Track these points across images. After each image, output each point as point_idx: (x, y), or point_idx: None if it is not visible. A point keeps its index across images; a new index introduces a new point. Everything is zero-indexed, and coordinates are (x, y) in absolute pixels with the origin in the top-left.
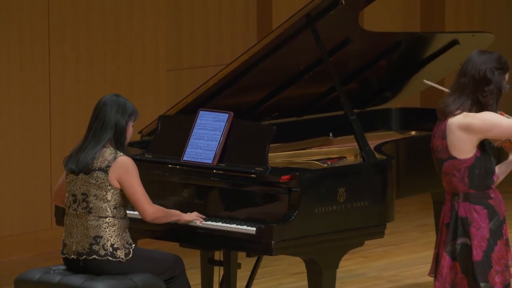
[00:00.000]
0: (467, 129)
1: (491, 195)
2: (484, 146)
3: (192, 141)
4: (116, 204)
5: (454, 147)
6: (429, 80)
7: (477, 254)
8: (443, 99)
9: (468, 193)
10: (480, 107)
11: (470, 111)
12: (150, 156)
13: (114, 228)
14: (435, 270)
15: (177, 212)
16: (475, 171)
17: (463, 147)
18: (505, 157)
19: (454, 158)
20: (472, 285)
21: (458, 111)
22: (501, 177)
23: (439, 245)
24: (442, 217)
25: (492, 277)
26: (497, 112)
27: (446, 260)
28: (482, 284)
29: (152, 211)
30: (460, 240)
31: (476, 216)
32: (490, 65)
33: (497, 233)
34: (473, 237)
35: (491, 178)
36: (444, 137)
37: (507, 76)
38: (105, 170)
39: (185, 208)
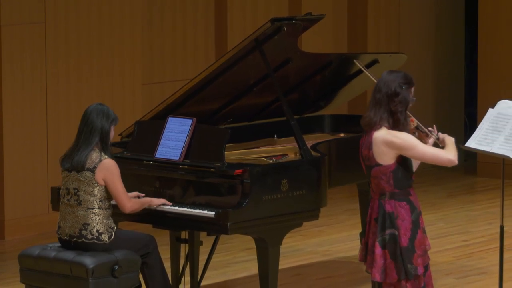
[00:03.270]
0: (389, 145)
1: (411, 192)
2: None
3: (162, 141)
4: (102, 197)
5: (379, 156)
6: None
7: (404, 241)
8: (366, 114)
9: (394, 192)
10: (392, 116)
11: (388, 122)
12: (129, 154)
13: (99, 217)
14: (365, 256)
15: (148, 199)
16: (398, 174)
17: (386, 157)
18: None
19: (380, 165)
20: (399, 267)
21: (379, 126)
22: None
23: (367, 236)
24: (370, 213)
25: (415, 259)
26: (408, 119)
27: (378, 249)
28: (408, 266)
29: (129, 205)
30: (388, 231)
31: (401, 211)
32: (399, 81)
33: (416, 224)
34: (399, 227)
35: (411, 179)
36: (370, 148)
37: (412, 90)
38: (92, 170)
39: (157, 196)
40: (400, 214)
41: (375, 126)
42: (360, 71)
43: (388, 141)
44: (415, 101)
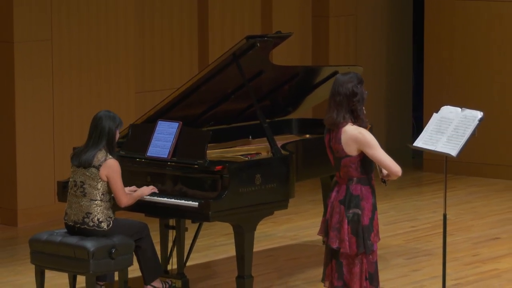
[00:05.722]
0: (355, 139)
1: (373, 177)
2: None
3: (153, 142)
4: (104, 191)
5: (348, 149)
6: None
7: (366, 220)
8: (328, 115)
9: (360, 177)
10: (353, 113)
11: (351, 119)
12: (124, 152)
13: (100, 208)
14: (326, 231)
15: (138, 192)
16: (365, 162)
17: (350, 149)
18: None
19: (350, 156)
20: (359, 242)
21: (345, 123)
22: None
23: (331, 216)
24: (334, 196)
25: (373, 237)
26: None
27: (345, 225)
28: (368, 241)
29: (125, 200)
30: (352, 211)
31: (366, 194)
32: (354, 82)
33: (375, 206)
34: (363, 208)
35: (373, 165)
36: (339, 142)
37: (363, 86)
38: (98, 167)
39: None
40: (365, 197)
41: (340, 124)
42: (323, 81)
43: (354, 137)
44: (368, 94)
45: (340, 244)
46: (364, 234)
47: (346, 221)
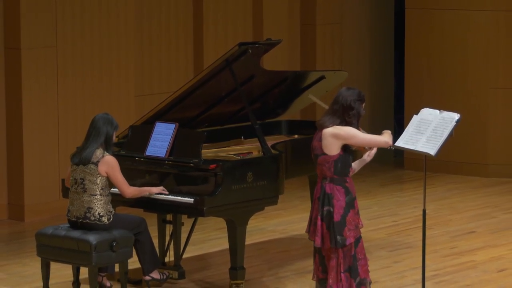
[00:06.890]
0: (335, 136)
1: (347, 180)
2: (346, 148)
3: (151, 142)
4: (103, 186)
5: (326, 147)
6: (313, 97)
7: (337, 217)
8: (322, 117)
9: (333, 177)
10: (345, 124)
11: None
12: (124, 152)
13: (101, 202)
14: (309, 227)
15: (147, 188)
16: (338, 163)
17: (331, 148)
18: (359, 156)
19: (326, 154)
20: (332, 237)
21: (330, 126)
22: (356, 170)
23: (312, 212)
24: (315, 193)
25: (345, 232)
26: (358, 128)
27: (319, 221)
28: (338, 237)
29: (129, 191)
30: (325, 208)
31: (337, 193)
32: (353, 98)
33: (350, 205)
34: (334, 206)
35: (348, 169)
36: (320, 140)
37: (363, 105)
38: (96, 163)
39: (148, 186)
40: (336, 195)
41: (326, 127)
42: (311, 85)
43: (335, 134)
44: (364, 113)
45: (314, 238)
46: (334, 229)
47: (319, 217)
